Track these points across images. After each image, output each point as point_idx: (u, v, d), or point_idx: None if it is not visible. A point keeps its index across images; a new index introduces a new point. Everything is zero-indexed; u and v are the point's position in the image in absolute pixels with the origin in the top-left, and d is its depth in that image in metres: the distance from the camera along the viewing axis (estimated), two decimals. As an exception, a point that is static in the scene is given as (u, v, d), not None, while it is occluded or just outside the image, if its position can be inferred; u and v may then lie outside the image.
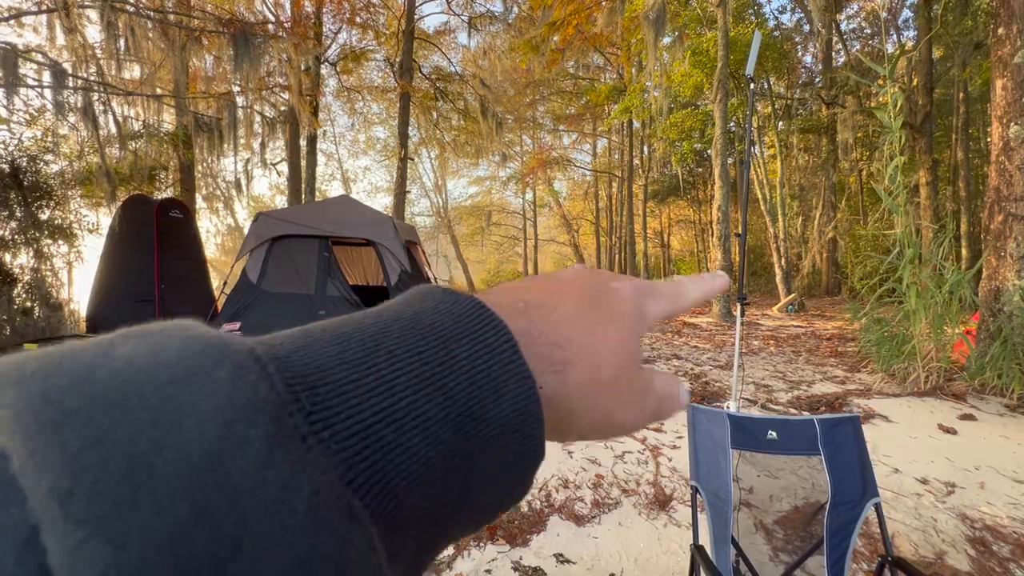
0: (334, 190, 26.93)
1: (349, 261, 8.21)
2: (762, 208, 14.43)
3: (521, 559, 2.23)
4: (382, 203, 29.07)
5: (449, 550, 2.28)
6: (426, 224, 30.44)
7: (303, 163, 11.55)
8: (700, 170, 25.94)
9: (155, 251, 6.61)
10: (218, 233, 24.11)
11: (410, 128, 14.21)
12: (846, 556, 1.60)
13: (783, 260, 13.80)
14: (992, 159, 4.68)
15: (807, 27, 20.08)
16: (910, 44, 18.15)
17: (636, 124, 18.58)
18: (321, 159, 24.58)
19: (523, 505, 2.63)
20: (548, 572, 2.16)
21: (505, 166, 22.19)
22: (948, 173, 18.18)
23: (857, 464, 1.64)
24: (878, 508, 1.59)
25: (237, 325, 5.52)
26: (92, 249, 7.50)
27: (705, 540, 1.65)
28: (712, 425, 1.74)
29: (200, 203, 18.56)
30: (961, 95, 16.97)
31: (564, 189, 30.82)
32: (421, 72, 13.69)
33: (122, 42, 6.98)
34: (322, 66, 12.40)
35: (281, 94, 10.83)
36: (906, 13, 20.42)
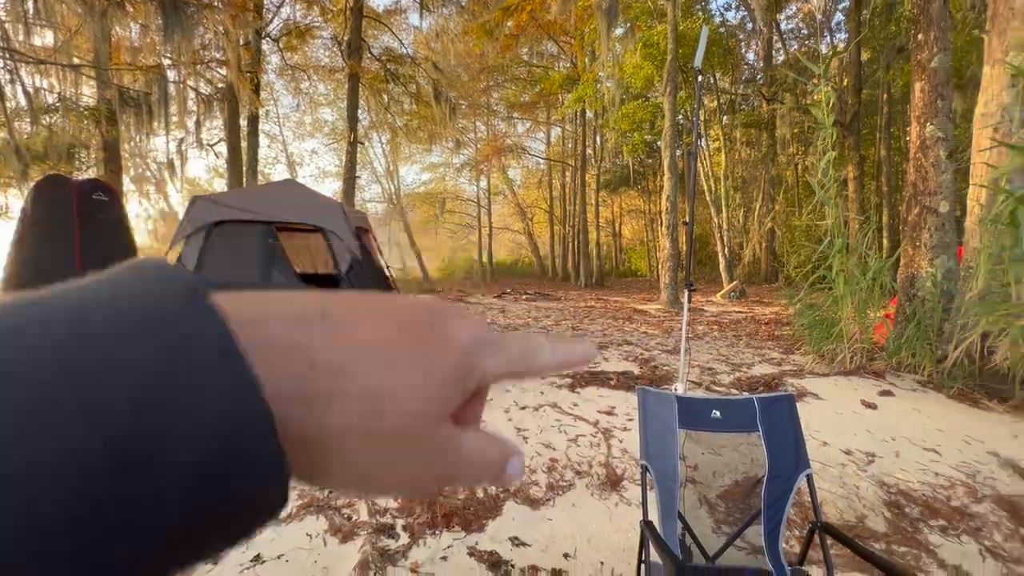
0: (278, 174, 25.69)
1: (296, 249, 7.89)
2: (707, 199, 15.03)
3: (477, 544, 2.25)
4: (331, 188, 28.06)
5: (404, 540, 2.27)
6: (378, 211, 29.67)
7: (244, 144, 10.92)
8: (650, 161, 26.66)
9: (76, 237, 6.07)
10: (149, 218, 22.48)
11: (360, 111, 13.72)
12: (781, 524, 1.72)
13: (726, 249, 14.47)
14: (911, 156, 5.07)
15: (750, 25, 20.95)
16: (842, 46, 19.28)
17: (589, 114, 18.81)
18: (264, 141, 23.33)
19: (479, 492, 2.65)
20: (504, 555, 2.19)
21: (459, 152, 21.94)
22: (872, 169, 19.59)
23: (791, 439, 1.76)
24: (809, 479, 1.71)
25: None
26: (2, 234, 6.80)
27: (654, 516, 1.72)
28: (661, 407, 1.81)
29: (128, 185, 17.19)
30: (885, 96, 18.24)
31: (518, 177, 30.89)
32: (371, 53, 13.20)
33: (31, 4, 6.30)
34: (263, 41, 11.71)
35: (218, 70, 10.16)
36: (839, 16, 21.61)
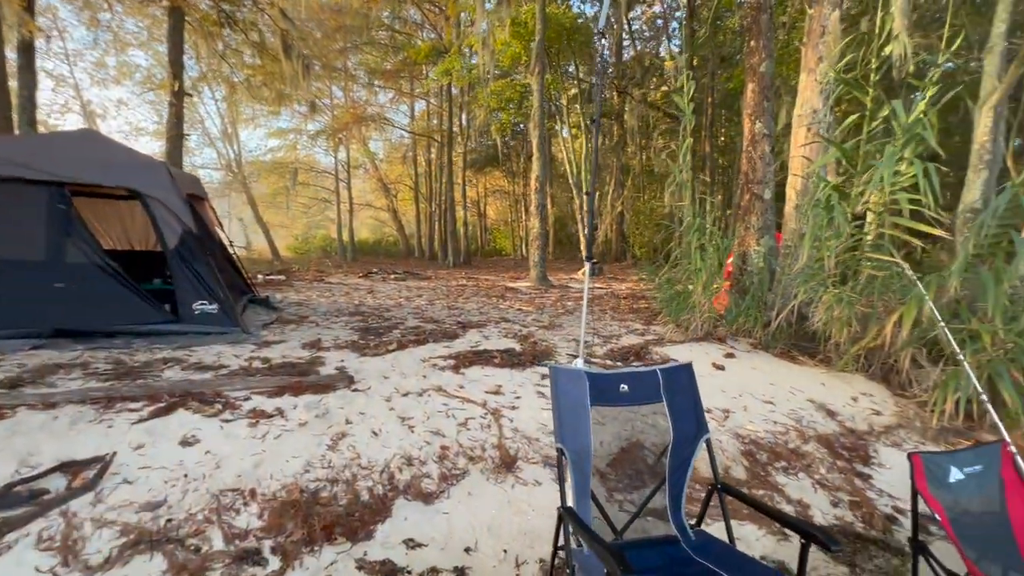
0: (70, 126, 20.52)
1: (103, 218, 6.30)
2: (569, 182, 15.84)
3: (366, 555, 1.97)
4: (149, 148, 23.34)
5: (275, 564, 1.89)
6: (214, 179, 25.62)
7: (14, 83, 8.37)
8: (513, 143, 27.30)
9: None
10: None
11: (187, 58, 11.48)
12: (683, 489, 1.76)
13: (586, 230, 15.46)
14: (743, 149, 5.80)
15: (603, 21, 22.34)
16: (676, 51, 21.63)
17: (456, 90, 18.40)
18: (47, 83, 18.41)
19: (362, 492, 2.35)
20: (399, 562, 1.95)
21: (314, 118, 19.82)
22: (699, 163, 22.62)
23: (691, 407, 1.81)
24: (708, 443, 1.78)
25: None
26: None
27: (570, 499, 1.63)
28: (572, 385, 1.72)
29: None
30: (709, 99, 21.04)
31: (381, 151, 29.20)
32: (198, -13, 11.03)
33: None
34: (38, -51, 9.00)
35: (-36, -25, 7.51)
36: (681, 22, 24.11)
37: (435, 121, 24.22)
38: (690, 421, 1.78)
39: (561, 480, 1.59)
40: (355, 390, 3.38)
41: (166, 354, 3.97)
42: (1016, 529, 1.83)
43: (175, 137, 9.62)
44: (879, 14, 3.67)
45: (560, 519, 1.56)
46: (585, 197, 16.38)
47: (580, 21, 14.74)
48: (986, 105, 4.66)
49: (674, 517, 1.74)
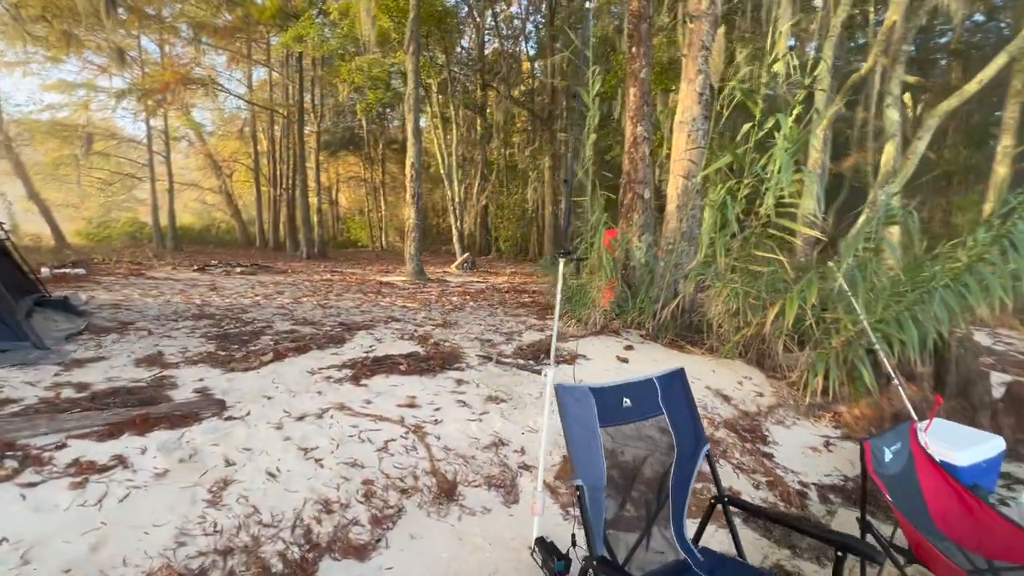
0: None
1: None
2: (441, 172, 15.39)
3: (297, 653, 1.46)
4: None
5: None
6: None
7: None
8: (372, 127, 25.64)
9: None
10: None
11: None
12: (685, 507, 1.62)
13: (459, 222, 15.18)
14: (625, 150, 6.10)
15: (464, 11, 22.13)
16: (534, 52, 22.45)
17: (307, 61, 16.45)
18: None
19: (272, 561, 1.77)
20: (346, 653, 1.48)
21: (119, 72, 15.91)
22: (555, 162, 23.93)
23: (689, 416, 1.67)
24: (708, 455, 1.67)
25: None
26: None
27: (581, 541, 1.37)
28: (579, 406, 1.46)
29: None
30: (565, 101, 22.31)
31: (210, 122, 24.99)
32: None
33: None
34: None
35: None
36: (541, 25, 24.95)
37: (280, 94, 21.48)
38: (690, 433, 1.65)
39: (586, 524, 1.31)
40: (230, 418, 2.64)
41: (-102, 388, 2.67)
42: (927, 496, 2.09)
43: None
44: (769, 37, 4.10)
45: (582, 573, 1.29)
46: (454, 187, 16.09)
47: (451, 4, 14.28)
48: (817, 129, 5.63)
49: (679, 539, 1.59)
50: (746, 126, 3.82)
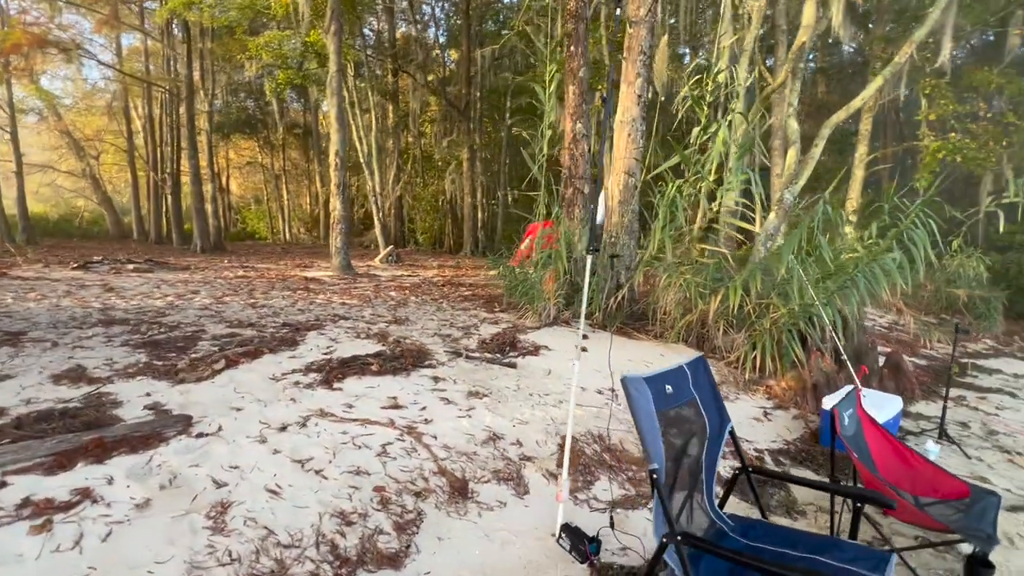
0: None
1: None
2: (361, 160, 14.63)
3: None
4: None
5: None
6: None
7: None
8: (271, 108, 23.55)
9: None
10: None
11: None
12: (715, 476, 1.80)
13: (381, 213, 14.58)
14: (565, 146, 6.30)
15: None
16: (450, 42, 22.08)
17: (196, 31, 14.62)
18: None
19: (303, 582, 1.66)
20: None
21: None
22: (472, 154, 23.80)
23: (713, 398, 1.85)
24: (732, 431, 1.85)
25: None
26: None
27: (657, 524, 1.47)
28: (641, 396, 1.56)
29: None
30: (478, 93, 22.25)
31: (65, 94, 21.32)
32: None
33: None
34: None
35: None
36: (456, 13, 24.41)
37: (159, 66, 18.91)
38: (716, 413, 1.82)
39: (664, 505, 1.41)
40: (201, 435, 2.37)
41: None
42: (872, 450, 2.50)
43: None
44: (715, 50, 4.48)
45: (661, 549, 1.39)
46: (375, 177, 15.40)
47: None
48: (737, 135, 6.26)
49: (711, 508, 1.76)
50: (695, 130, 4.17)
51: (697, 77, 4.30)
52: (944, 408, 3.61)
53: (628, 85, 5.45)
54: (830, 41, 16.59)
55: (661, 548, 1.39)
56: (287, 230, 25.84)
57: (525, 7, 10.75)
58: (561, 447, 2.81)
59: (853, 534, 1.58)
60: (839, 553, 1.50)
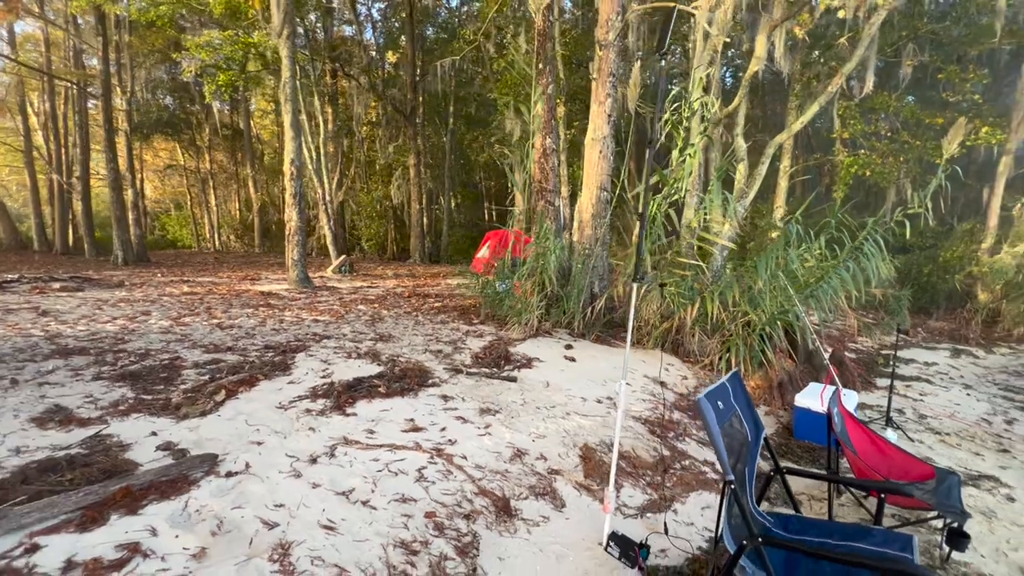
0: None
1: None
2: (310, 167, 14.01)
3: None
4: None
5: None
6: None
7: None
8: (196, 108, 21.90)
9: None
10: None
11: None
12: (754, 478, 2.02)
13: (331, 222, 14.04)
14: (535, 160, 6.49)
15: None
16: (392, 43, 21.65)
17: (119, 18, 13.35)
18: None
19: (388, 616, 1.68)
20: None
21: None
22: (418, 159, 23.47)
23: (749, 409, 2.07)
24: (766, 438, 2.08)
25: None
26: None
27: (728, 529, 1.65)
28: (711, 413, 1.73)
29: None
30: (420, 98, 22.02)
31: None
32: None
33: None
34: None
35: None
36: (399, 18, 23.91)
37: (62, 59, 17.05)
38: (751, 422, 2.05)
39: (742, 509, 1.59)
40: (231, 474, 2.29)
41: None
42: (853, 441, 2.86)
43: None
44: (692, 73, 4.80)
45: (740, 551, 1.57)
46: (325, 184, 14.76)
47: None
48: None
49: (755, 509, 1.98)
50: (674, 152, 4.49)
51: (676, 105, 4.64)
52: (890, 398, 4.15)
53: (599, 105, 5.73)
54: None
55: (740, 550, 1.56)
56: (216, 238, 24.15)
57: (485, 18, 10.83)
58: (583, 458, 2.96)
59: (878, 520, 1.85)
60: (871, 538, 1.76)
